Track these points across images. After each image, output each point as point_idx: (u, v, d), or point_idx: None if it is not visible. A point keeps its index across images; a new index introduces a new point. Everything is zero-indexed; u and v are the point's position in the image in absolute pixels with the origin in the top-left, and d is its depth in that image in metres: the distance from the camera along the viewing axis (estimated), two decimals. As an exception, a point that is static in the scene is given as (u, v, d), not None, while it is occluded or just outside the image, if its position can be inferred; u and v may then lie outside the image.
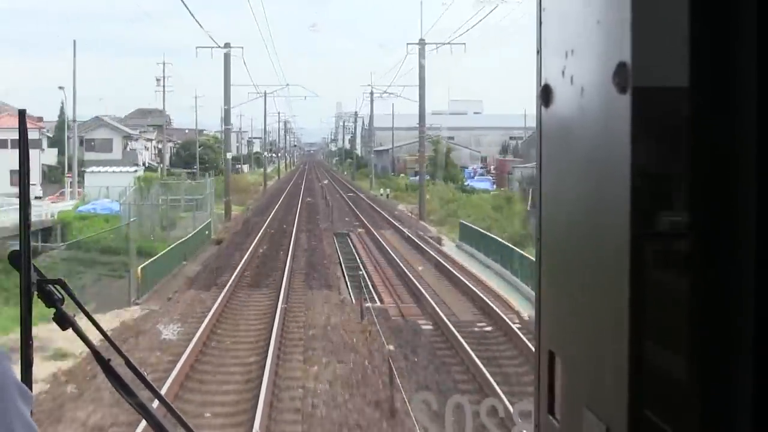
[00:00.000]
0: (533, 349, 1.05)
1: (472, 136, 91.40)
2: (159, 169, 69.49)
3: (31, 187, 2.23)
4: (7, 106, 60.52)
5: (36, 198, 48.78)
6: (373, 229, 39.15)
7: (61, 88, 61.79)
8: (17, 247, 2.06)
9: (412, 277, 25.66)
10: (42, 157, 62.43)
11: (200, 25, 79.01)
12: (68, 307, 2.15)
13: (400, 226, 40.39)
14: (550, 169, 0.97)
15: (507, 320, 19.26)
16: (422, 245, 33.43)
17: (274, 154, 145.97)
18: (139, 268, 25.22)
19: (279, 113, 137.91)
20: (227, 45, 51.28)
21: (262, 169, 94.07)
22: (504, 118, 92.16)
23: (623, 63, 0.76)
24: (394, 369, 13.50)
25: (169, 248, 30.91)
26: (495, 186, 66.77)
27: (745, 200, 0.71)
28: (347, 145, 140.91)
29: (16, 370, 1.69)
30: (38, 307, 2.10)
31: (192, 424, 2.42)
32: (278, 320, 18.97)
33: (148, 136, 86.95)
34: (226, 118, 52.92)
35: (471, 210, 46.62)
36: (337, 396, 13.86)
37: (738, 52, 0.72)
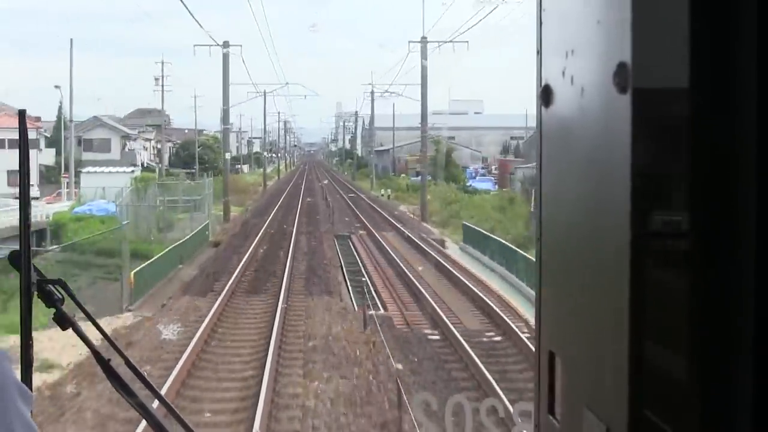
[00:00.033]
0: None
1: (472, 136, 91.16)
2: (157, 170, 68.74)
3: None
4: (5, 106, 59.99)
5: (33, 198, 48.09)
6: (374, 231, 38.42)
7: (57, 87, 61.13)
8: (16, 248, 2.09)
9: (416, 282, 24.78)
10: (39, 157, 61.98)
11: (200, 24, 78.15)
12: (67, 307, 2.16)
13: (401, 228, 39.71)
14: (550, 169, 0.97)
15: (516, 329, 18.42)
16: (425, 248, 32.70)
17: (273, 154, 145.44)
18: (132, 273, 24.25)
19: (279, 113, 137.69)
20: (225, 43, 50.69)
21: (261, 170, 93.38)
22: (504, 118, 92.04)
23: (623, 63, 0.77)
24: (403, 393, 12.49)
25: (165, 251, 30.07)
26: (497, 186, 66.04)
27: (745, 200, 0.72)
28: (347, 145, 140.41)
29: (16, 370, 1.68)
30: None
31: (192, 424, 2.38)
32: (276, 330, 18.01)
33: (147, 136, 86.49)
34: (225, 118, 52.23)
35: (473, 211, 46.02)
36: (340, 417, 12.88)
37: (738, 52, 0.72)
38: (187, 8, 59.67)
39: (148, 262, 26.95)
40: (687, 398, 0.74)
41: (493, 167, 79.55)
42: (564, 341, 0.94)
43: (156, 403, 2.60)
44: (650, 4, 0.76)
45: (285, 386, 14.53)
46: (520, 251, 27.13)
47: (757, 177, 0.71)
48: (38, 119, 65.90)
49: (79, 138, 70.89)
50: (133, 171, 56.90)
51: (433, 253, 31.11)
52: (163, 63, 75.85)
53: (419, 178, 55.56)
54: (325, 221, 43.90)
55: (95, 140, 76.92)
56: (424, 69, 49.98)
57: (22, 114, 2.19)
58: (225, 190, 48.82)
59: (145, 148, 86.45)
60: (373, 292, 23.89)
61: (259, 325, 19.49)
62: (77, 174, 56.15)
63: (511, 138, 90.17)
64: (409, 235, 36.60)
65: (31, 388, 1.71)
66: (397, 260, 29.35)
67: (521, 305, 22.25)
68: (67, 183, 57.37)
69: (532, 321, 19.38)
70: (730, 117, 0.72)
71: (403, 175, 79.79)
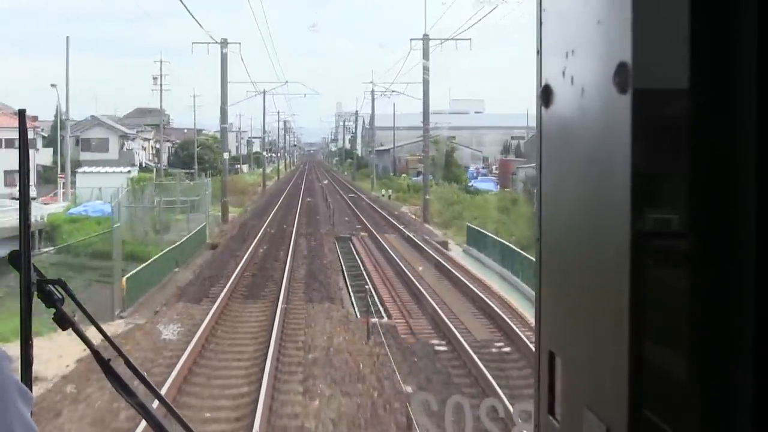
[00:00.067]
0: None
1: (473, 136, 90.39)
2: (155, 170, 67.85)
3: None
4: (4, 106, 59.21)
5: (32, 199, 47.29)
6: (376, 233, 37.51)
7: (53, 86, 60.01)
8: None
9: (420, 287, 23.84)
10: (36, 157, 61.16)
11: (200, 24, 77.25)
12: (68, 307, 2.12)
13: (403, 230, 38.86)
14: (550, 169, 0.97)
15: (525, 339, 17.47)
16: (428, 250, 31.78)
17: (273, 154, 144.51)
18: (124, 278, 23.26)
19: (278, 112, 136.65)
20: (224, 41, 49.81)
21: (261, 170, 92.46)
22: (505, 118, 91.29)
23: (623, 63, 0.77)
24: (414, 422, 11.52)
25: (160, 254, 29.12)
26: (498, 187, 65.13)
27: (745, 200, 0.72)
28: (347, 145, 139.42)
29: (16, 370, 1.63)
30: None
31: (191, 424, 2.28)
32: (274, 340, 17.04)
33: (146, 136, 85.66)
34: (223, 116, 51.33)
35: (476, 212, 45.16)
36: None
37: (738, 52, 0.72)
38: (186, 8, 59.04)
39: (143, 265, 26.02)
40: (687, 398, 0.74)
41: (494, 167, 78.70)
42: (564, 341, 0.93)
43: (156, 403, 2.56)
44: (650, 4, 0.76)
45: (283, 405, 13.56)
46: (523, 253, 26.34)
47: (756, 177, 0.71)
48: (35, 119, 65.17)
49: (76, 137, 70.09)
50: (129, 171, 55.93)
51: (436, 256, 30.22)
52: (161, 62, 75.12)
53: (420, 178, 54.71)
54: (325, 222, 43.01)
55: (93, 140, 76.13)
56: (426, 67, 49.05)
57: (22, 114, 2.18)
58: (223, 190, 47.98)
59: (144, 148, 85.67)
60: (376, 299, 22.92)
61: (256, 335, 18.52)
62: (73, 174, 55.21)
63: (512, 138, 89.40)
64: (411, 236, 35.71)
65: (31, 388, 1.71)
66: (400, 264, 28.45)
67: (526, 309, 21.34)
68: (63, 183, 56.43)
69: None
70: (730, 117, 0.72)
71: (403, 175, 78.90)
